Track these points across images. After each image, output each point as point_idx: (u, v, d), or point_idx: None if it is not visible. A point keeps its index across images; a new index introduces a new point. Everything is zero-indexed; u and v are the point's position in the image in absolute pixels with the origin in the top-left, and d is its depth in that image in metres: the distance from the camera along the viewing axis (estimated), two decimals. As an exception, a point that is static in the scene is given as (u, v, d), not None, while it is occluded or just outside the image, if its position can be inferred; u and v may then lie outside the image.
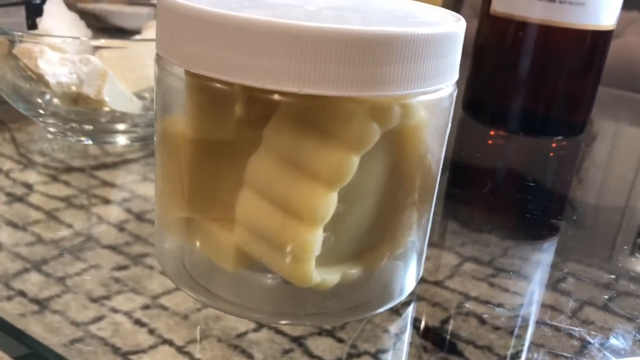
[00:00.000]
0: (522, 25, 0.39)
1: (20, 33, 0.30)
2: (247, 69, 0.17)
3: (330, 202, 0.18)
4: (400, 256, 0.21)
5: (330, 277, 0.19)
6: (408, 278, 0.22)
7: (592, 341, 0.21)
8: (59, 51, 0.30)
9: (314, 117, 0.18)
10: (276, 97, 0.17)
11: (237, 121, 0.19)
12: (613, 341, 0.21)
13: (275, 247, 0.18)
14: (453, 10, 0.49)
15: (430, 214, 0.21)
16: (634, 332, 0.22)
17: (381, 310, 0.21)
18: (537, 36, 0.39)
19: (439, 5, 0.45)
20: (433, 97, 0.19)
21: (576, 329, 0.22)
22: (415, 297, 0.23)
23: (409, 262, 0.21)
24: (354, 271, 0.20)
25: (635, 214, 0.33)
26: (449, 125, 0.20)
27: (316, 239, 0.18)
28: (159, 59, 0.19)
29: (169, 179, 0.20)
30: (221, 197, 0.19)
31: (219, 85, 0.17)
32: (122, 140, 0.34)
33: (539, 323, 0.22)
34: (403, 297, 0.21)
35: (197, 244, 0.21)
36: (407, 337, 0.21)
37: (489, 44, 0.42)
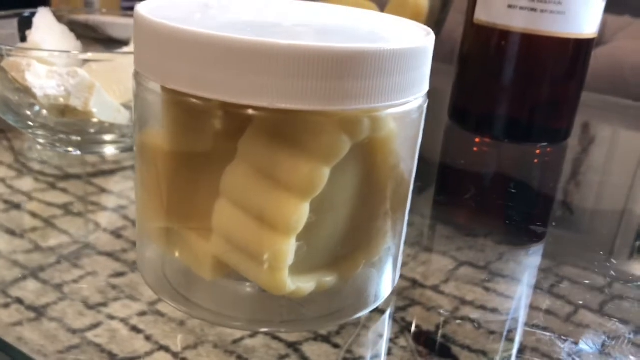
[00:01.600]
0: (505, 34, 0.39)
1: (8, 47, 0.30)
2: (221, 85, 0.17)
3: (302, 212, 0.18)
4: (375, 263, 0.21)
5: (305, 285, 0.20)
6: (383, 284, 0.22)
7: (585, 345, 0.21)
8: (48, 64, 0.31)
9: (286, 130, 0.18)
10: (250, 111, 0.18)
11: (212, 134, 0.19)
12: (608, 345, 0.22)
13: (250, 256, 0.19)
14: (440, 16, 0.50)
15: (404, 221, 0.22)
16: (628, 336, 0.22)
17: (357, 316, 0.21)
18: (520, 45, 0.39)
19: (424, 13, 0.45)
20: (402, 109, 0.19)
21: (570, 333, 0.22)
22: (410, 302, 0.23)
23: (384, 269, 0.22)
24: (329, 279, 0.20)
25: (629, 218, 0.34)
26: (421, 135, 0.21)
27: (289, 248, 0.18)
28: (136, 74, 0.20)
29: (148, 190, 0.21)
30: (198, 207, 0.20)
31: (194, 100, 0.18)
32: (110, 150, 0.34)
33: (534, 327, 0.22)
34: (378, 303, 0.22)
35: (176, 253, 0.21)
36: (402, 342, 0.21)
37: (473, 53, 0.42)
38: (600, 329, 0.22)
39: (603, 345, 0.22)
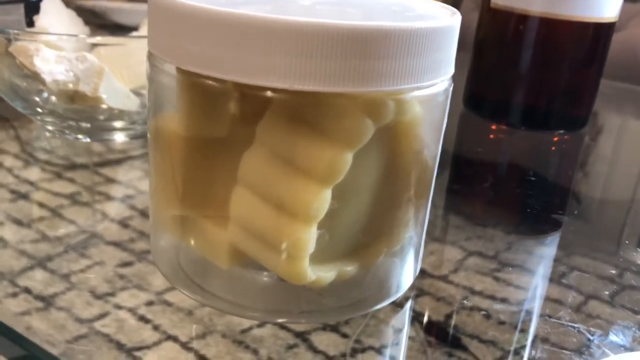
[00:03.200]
0: (522, 19, 0.38)
1: (16, 31, 0.30)
2: (238, 66, 0.16)
3: (324, 199, 0.17)
4: (397, 252, 0.21)
5: (325, 274, 0.19)
6: (405, 274, 0.21)
7: (595, 336, 0.21)
8: (56, 49, 0.30)
9: (307, 113, 0.17)
10: (269, 93, 0.17)
11: (229, 118, 0.19)
12: (616, 336, 0.21)
13: (269, 244, 0.18)
14: (454, 2, 0.48)
15: (427, 210, 0.21)
16: (636, 327, 0.22)
17: (378, 307, 0.21)
18: (538, 29, 0.38)
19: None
20: (428, 92, 0.18)
21: (580, 323, 0.22)
22: (419, 292, 0.23)
23: (406, 258, 0.21)
24: (350, 268, 0.20)
25: None
26: (445, 120, 0.20)
27: (310, 236, 0.18)
28: (150, 56, 0.19)
29: (163, 177, 0.20)
30: (215, 194, 0.19)
31: (210, 82, 0.17)
32: (120, 137, 0.34)
33: (544, 317, 0.22)
34: (400, 294, 0.21)
35: (192, 241, 0.20)
36: (411, 332, 0.21)
37: (490, 38, 0.41)
38: (612, 319, 0.22)
39: (615, 335, 0.21)
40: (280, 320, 0.20)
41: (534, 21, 0.38)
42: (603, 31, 0.39)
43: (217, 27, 0.16)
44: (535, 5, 0.38)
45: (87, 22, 0.41)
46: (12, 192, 0.28)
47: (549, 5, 0.37)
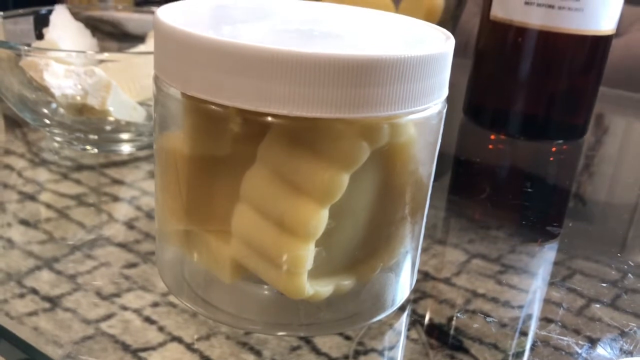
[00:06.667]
0: (521, 31, 0.39)
1: (26, 47, 0.31)
2: (240, 92, 0.17)
3: (321, 219, 0.18)
4: (392, 267, 0.21)
5: (323, 289, 0.20)
6: (401, 288, 0.22)
7: (598, 339, 0.21)
8: (65, 63, 0.31)
9: (306, 137, 0.18)
10: (269, 119, 0.18)
11: (232, 139, 0.19)
12: (619, 340, 0.22)
13: (269, 260, 0.19)
14: (455, 12, 0.49)
15: (422, 225, 0.22)
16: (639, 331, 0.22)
17: (374, 320, 0.21)
18: (537, 41, 0.39)
19: (439, 10, 0.45)
20: (422, 115, 0.19)
21: (581, 327, 0.22)
22: (421, 294, 0.23)
23: (402, 273, 0.22)
24: (347, 283, 0.20)
25: None
26: (439, 141, 0.21)
27: (308, 253, 0.18)
28: (157, 79, 0.20)
29: (168, 193, 0.21)
30: (218, 210, 0.20)
31: (214, 107, 0.18)
32: (127, 148, 0.34)
33: (545, 320, 0.22)
34: (395, 307, 0.22)
35: (195, 255, 0.21)
36: (413, 334, 0.21)
37: (489, 49, 0.42)
38: (613, 323, 0.22)
39: (616, 339, 0.22)
40: (279, 333, 0.21)
41: (533, 33, 0.39)
42: (601, 43, 0.40)
43: (220, 55, 0.17)
44: (533, 18, 0.38)
45: (95, 30, 0.41)
46: (20, 193, 0.29)
47: (547, 18, 0.38)
